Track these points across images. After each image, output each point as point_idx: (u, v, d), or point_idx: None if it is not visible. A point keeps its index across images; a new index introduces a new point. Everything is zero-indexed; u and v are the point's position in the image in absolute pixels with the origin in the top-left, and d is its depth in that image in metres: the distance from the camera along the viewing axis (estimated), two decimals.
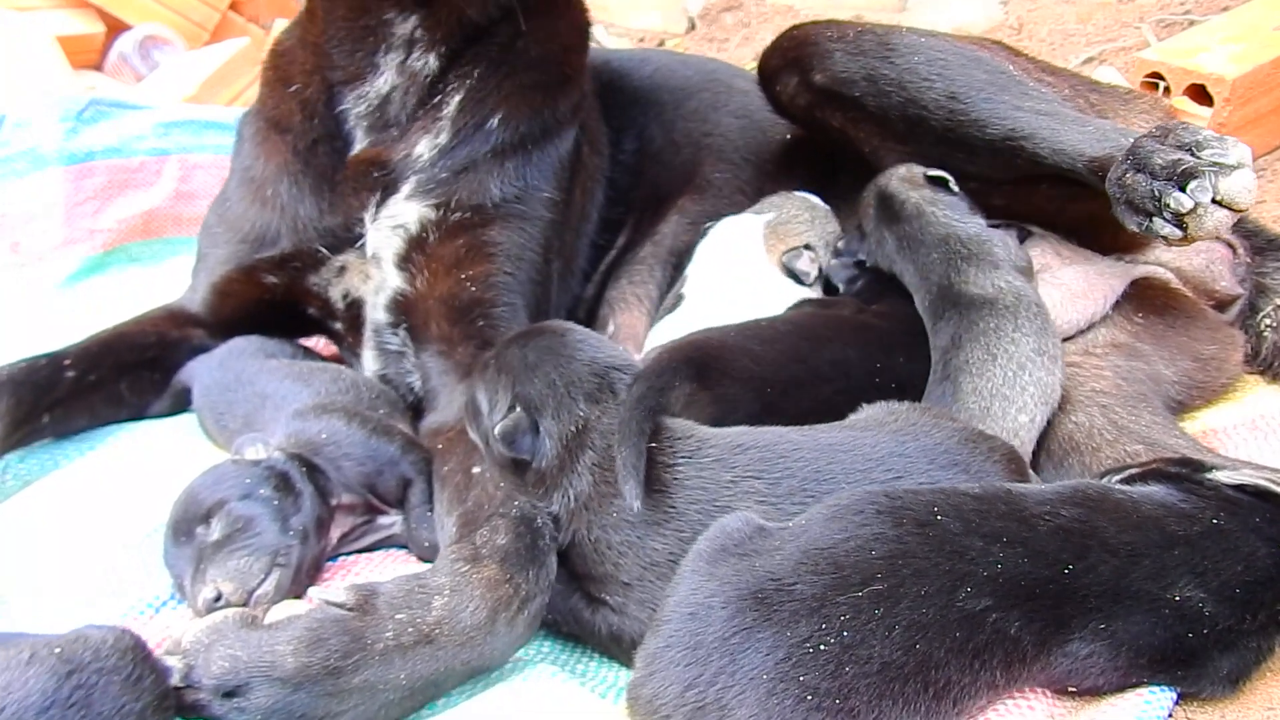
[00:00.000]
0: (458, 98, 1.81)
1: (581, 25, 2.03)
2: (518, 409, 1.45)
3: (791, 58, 1.99)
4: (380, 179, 1.81)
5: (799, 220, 2.01)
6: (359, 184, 1.81)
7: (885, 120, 1.89)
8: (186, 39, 3.79)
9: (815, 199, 2.09)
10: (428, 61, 1.79)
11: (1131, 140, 1.62)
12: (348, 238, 1.83)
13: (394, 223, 1.80)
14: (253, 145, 1.93)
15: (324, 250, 1.84)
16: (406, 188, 1.80)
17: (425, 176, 1.80)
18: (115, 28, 3.72)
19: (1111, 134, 1.70)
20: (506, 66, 1.83)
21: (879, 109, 1.88)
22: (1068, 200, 1.84)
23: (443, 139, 1.80)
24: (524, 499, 1.46)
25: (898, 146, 1.92)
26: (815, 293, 1.98)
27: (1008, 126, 1.77)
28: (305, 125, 1.85)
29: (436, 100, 1.80)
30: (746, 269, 1.96)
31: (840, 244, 1.98)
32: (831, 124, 1.99)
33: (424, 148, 1.80)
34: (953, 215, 1.81)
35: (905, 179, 1.88)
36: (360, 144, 1.82)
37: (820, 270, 1.98)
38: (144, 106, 2.68)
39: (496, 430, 1.44)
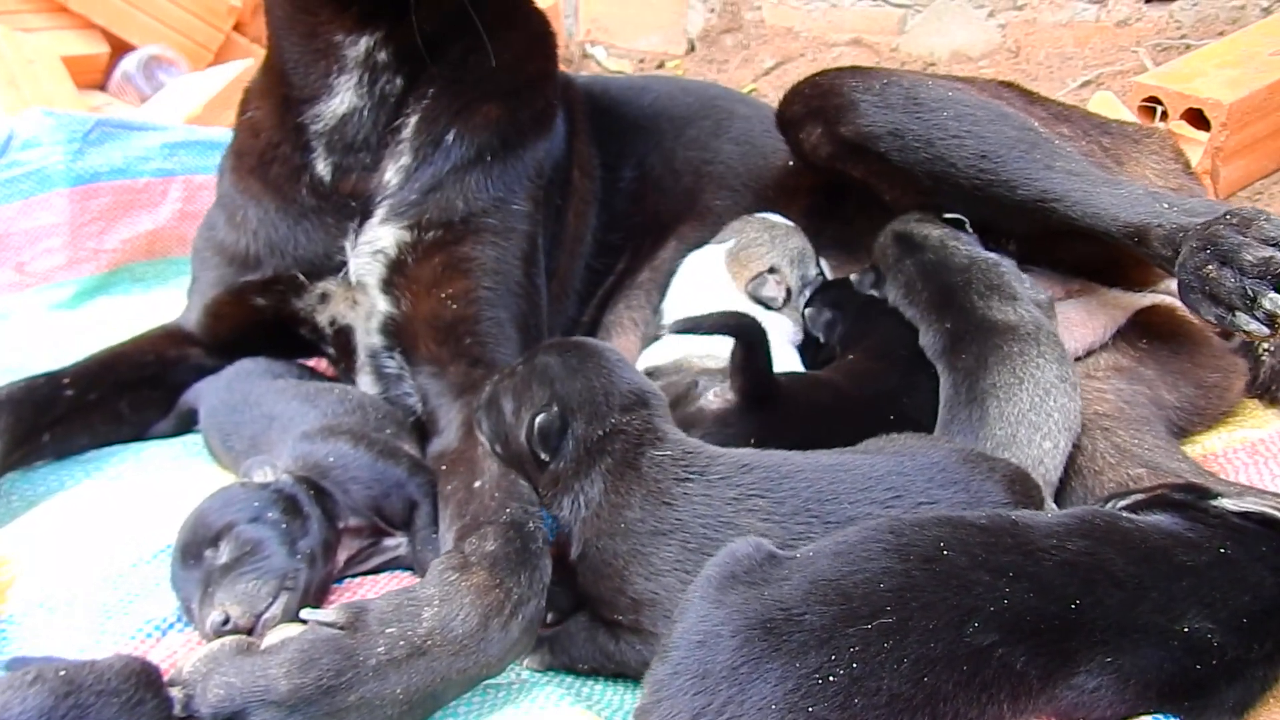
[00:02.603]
0: (414, 119, 1.83)
1: (539, 36, 2.04)
2: (554, 407, 1.46)
3: (815, 107, 1.97)
4: (357, 207, 1.83)
5: (758, 244, 2.01)
6: (337, 213, 1.84)
7: (910, 176, 1.87)
8: (190, 59, 3.82)
9: (775, 217, 2.09)
10: (394, 83, 1.81)
11: (1166, 205, 1.64)
12: (328, 265, 1.85)
13: (373, 248, 1.82)
14: (229, 172, 1.96)
15: (302, 277, 1.86)
16: (380, 212, 1.82)
17: (396, 200, 1.82)
18: (120, 48, 3.76)
19: (1144, 199, 1.69)
20: (458, 84, 1.85)
21: (904, 164, 1.86)
22: (1083, 246, 1.84)
23: (405, 160, 1.83)
24: (516, 505, 1.47)
25: (921, 200, 1.92)
26: (790, 321, 1.98)
27: (1040, 188, 1.76)
28: (270, 150, 1.88)
29: (397, 124, 1.83)
30: (716, 300, 1.97)
31: (854, 277, 1.98)
32: (853, 175, 1.98)
33: (391, 173, 1.83)
34: (974, 249, 1.84)
35: (923, 220, 1.90)
36: (322, 167, 1.84)
37: (788, 292, 1.98)
38: (149, 127, 2.70)
39: (538, 423, 1.45)
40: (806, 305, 2.01)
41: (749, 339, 1.61)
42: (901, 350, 1.81)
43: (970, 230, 1.89)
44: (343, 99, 1.81)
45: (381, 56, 1.79)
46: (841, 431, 1.54)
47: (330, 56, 1.79)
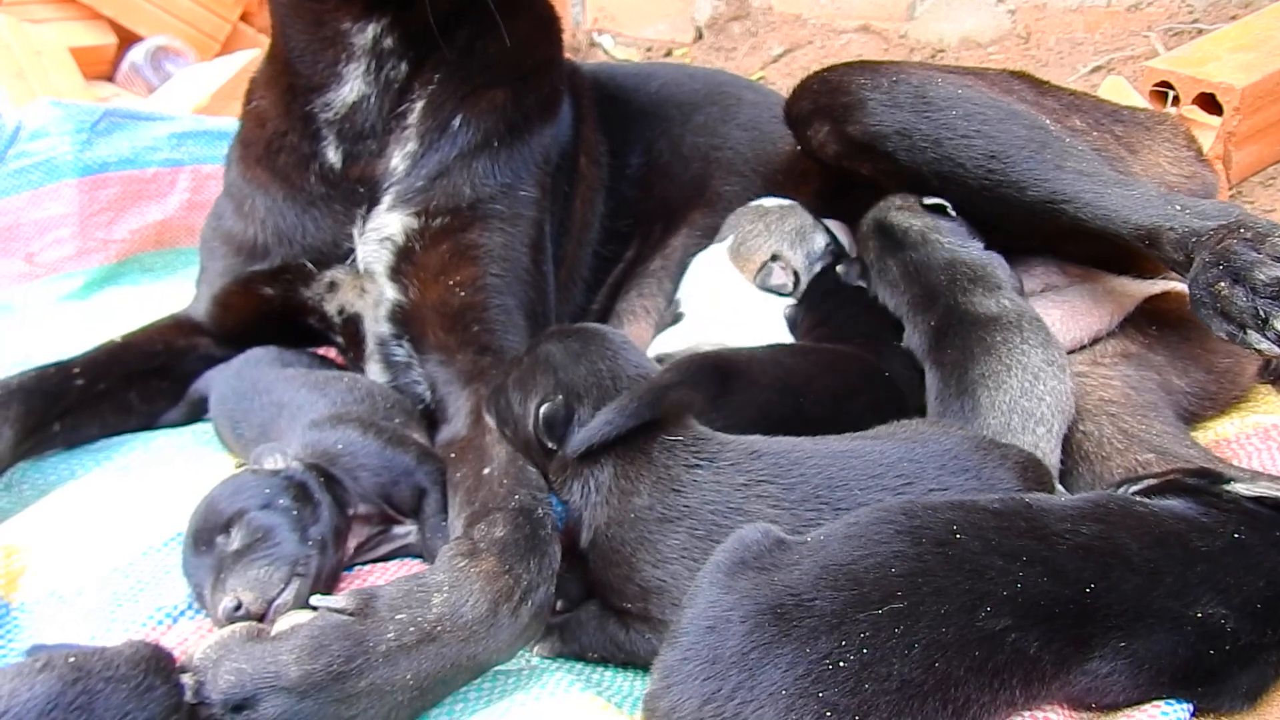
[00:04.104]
0: (420, 105, 1.83)
1: (544, 21, 2.03)
2: (560, 396, 1.46)
3: (823, 104, 1.94)
4: (364, 193, 1.83)
5: (755, 234, 2.00)
6: (345, 200, 1.84)
7: (918, 175, 1.85)
8: (198, 50, 3.82)
9: (768, 201, 2.08)
10: (399, 69, 1.81)
11: (1178, 207, 1.62)
12: (336, 254, 1.85)
13: (380, 235, 1.82)
14: (236, 162, 1.96)
15: (310, 266, 1.86)
16: (387, 199, 1.82)
17: (403, 186, 1.82)
18: (127, 39, 3.76)
19: (1156, 201, 1.67)
20: (464, 70, 1.84)
21: (911, 164, 1.84)
22: (1093, 243, 1.82)
23: (411, 147, 1.82)
24: (525, 492, 1.47)
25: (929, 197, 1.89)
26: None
27: (1050, 189, 1.74)
28: (278, 139, 1.88)
29: (403, 109, 1.82)
30: (734, 298, 1.97)
31: (841, 269, 1.97)
32: (860, 171, 1.97)
33: (398, 159, 1.83)
34: (956, 241, 1.84)
35: (903, 208, 1.89)
36: (333, 155, 1.84)
37: (796, 275, 1.97)
38: (157, 118, 2.70)
39: (542, 413, 1.45)
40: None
41: (650, 403, 1.48)
42: (859, 332, 1.82)
43: (953, 215, 1.87)
44: (352, 87, 1.81)
45: (388, 43, 1.79)
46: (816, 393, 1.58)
47: (338, 45, 1.79)
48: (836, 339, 1.83)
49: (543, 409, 1.45)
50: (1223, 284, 1.47)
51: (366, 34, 1.78)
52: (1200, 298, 1.51)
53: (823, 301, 1.93)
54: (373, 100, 1.81)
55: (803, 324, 1.93)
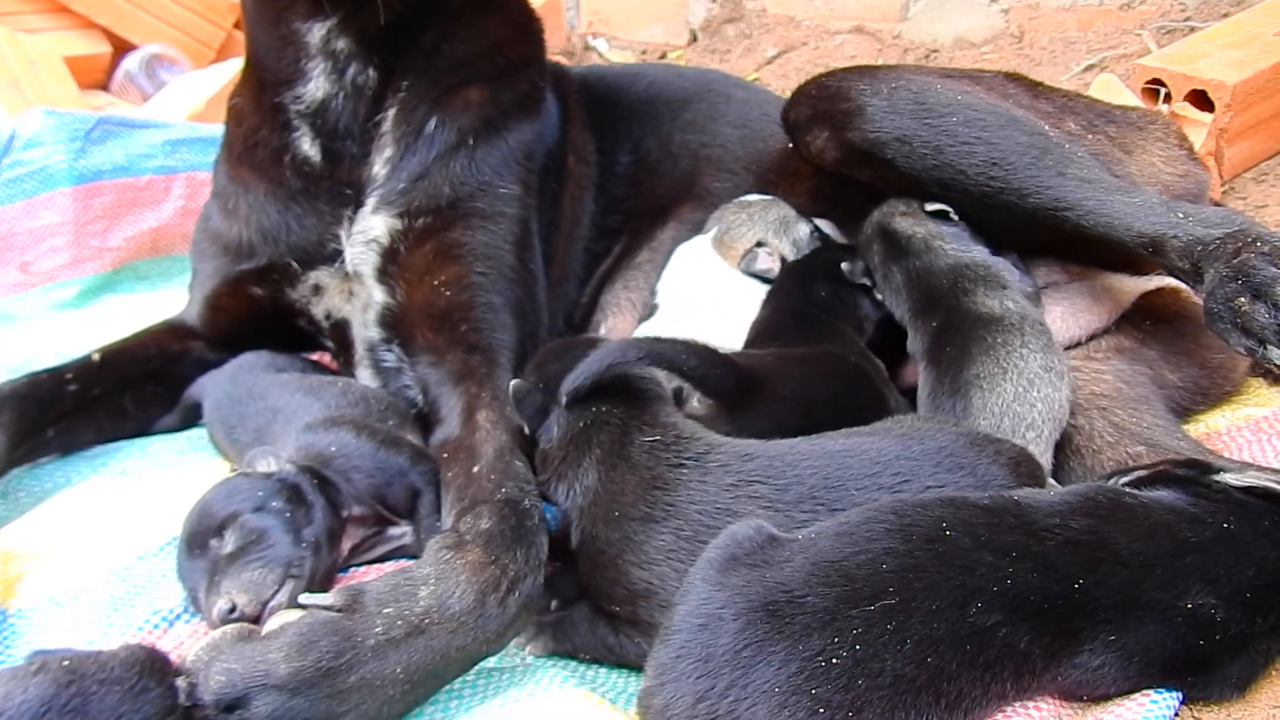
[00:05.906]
0: (393, 111, 1.84)
1: (518, 20, 2.04)
2: (533, 378, 1.50)
3: (822, 110, 1.93)
4: (351, 196, 1.84)
5: (739, 224, 2.02)
6: (330, 199, 1.85)
7: (918, 181, 1.84)
8: (192, 57, 3.82)
9: (751, 196, 2.09)
10: (367, 75, 1.82)
11: (1181, 215, 1.62)
12: (321, 254, 1.86)
13: (366, 237, 1.83)
14: (222, 163, 1.98)
15: (295, 265, 1.87)
16: (371, 201, 1.83)
17: (385, 189, 1.83)
18: (121, 47, 3.76)
19: (1158, 209, 1.67)
20: (435, 72, 1.86)
21: (911, 170, 1.83)
22: (1093, 247, 1.82)
23: (389, 152, 1.84)
24: (512, 484, 1.49)
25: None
26: None
27: (1052, 196, 1.73)
28: (253, 135, 1.90)
29: (379, 118, 1.84)
30: (713, 285, 1.98)
31: (846, 266, 1.96)
32: (859, 178, 1.96)
33: (379, 165, 1.84)
34: (959, 246, 1.83)
35: (907, 214, 1.88)
36: (309, 148, 1.85)
37: (783, 260, 1.98)
38: (151, 125, 2.71)
39: (512, 386, 1.50)
40: None
41: (658, 365, 1.55)
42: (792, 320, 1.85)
43: (955, 219, 1.87)
44: (317, 84, 1.82)
45: (341, 45, 1.80)
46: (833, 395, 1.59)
47: (295, 43, 1.81)
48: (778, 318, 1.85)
49: (513, 383, 1.50)
50: (1242, 299, 1.47)
51: (315, 34, 1.79)
52: (1218, 312, 1.50)
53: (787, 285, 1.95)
54: (342, 100, 1.83)
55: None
